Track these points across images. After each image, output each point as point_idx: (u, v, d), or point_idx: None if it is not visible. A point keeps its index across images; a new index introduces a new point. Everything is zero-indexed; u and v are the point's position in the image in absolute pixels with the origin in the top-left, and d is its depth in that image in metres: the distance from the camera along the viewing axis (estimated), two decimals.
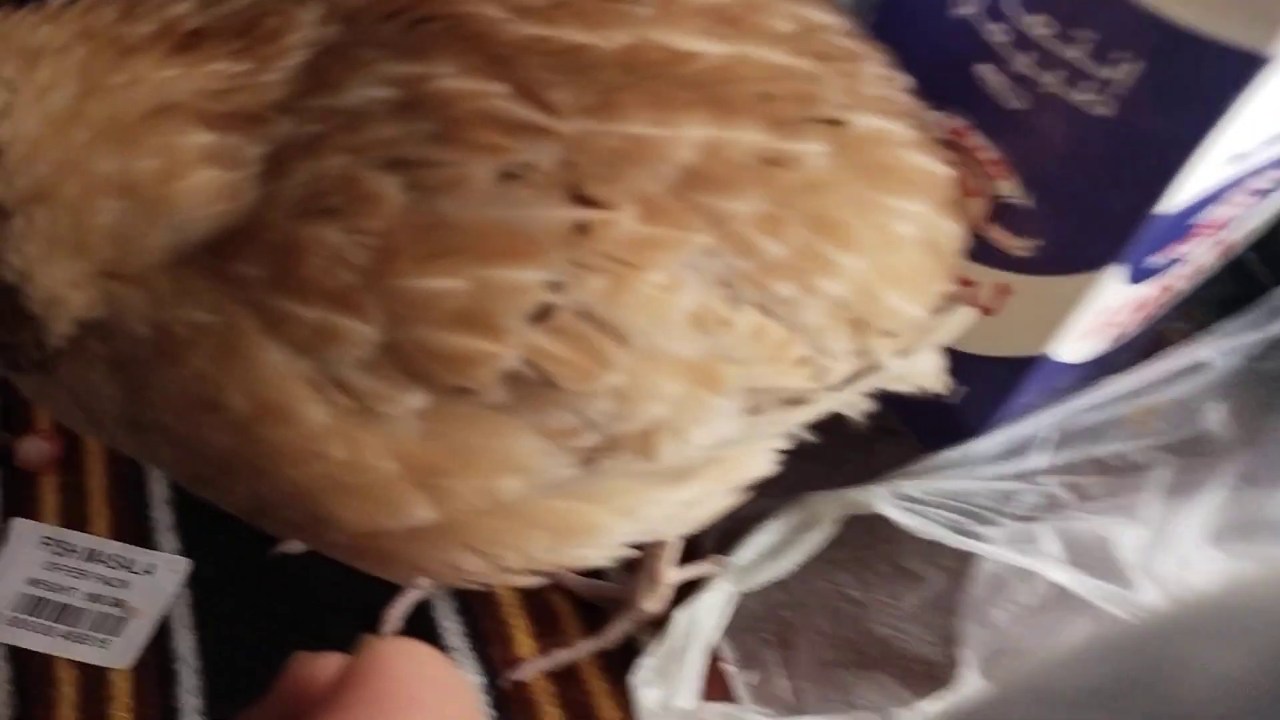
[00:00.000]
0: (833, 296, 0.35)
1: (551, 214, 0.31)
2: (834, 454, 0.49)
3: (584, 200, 0.32)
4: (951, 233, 0.39)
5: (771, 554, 0.51)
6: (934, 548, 0.50)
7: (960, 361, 0.46)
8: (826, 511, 0.50)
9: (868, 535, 0.52)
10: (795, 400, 0.37)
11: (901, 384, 0.41)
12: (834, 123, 0.35)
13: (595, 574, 0.51)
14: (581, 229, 0.31)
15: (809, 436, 0.41)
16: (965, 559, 0.50)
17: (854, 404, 0.41)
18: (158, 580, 0.52)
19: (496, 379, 0.32)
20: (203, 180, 0.32)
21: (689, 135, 0.33)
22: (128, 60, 0.32)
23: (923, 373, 0.42)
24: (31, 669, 0.50)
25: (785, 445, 0.41)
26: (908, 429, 0.54)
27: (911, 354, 0.39)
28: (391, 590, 0.50)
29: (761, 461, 0.40)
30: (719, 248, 0.33)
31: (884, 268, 0.36)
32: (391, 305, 0.31)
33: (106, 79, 0.32)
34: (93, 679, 0.49)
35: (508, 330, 0.32)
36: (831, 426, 0.42)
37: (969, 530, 0.48)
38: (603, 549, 0.38)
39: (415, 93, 0.32)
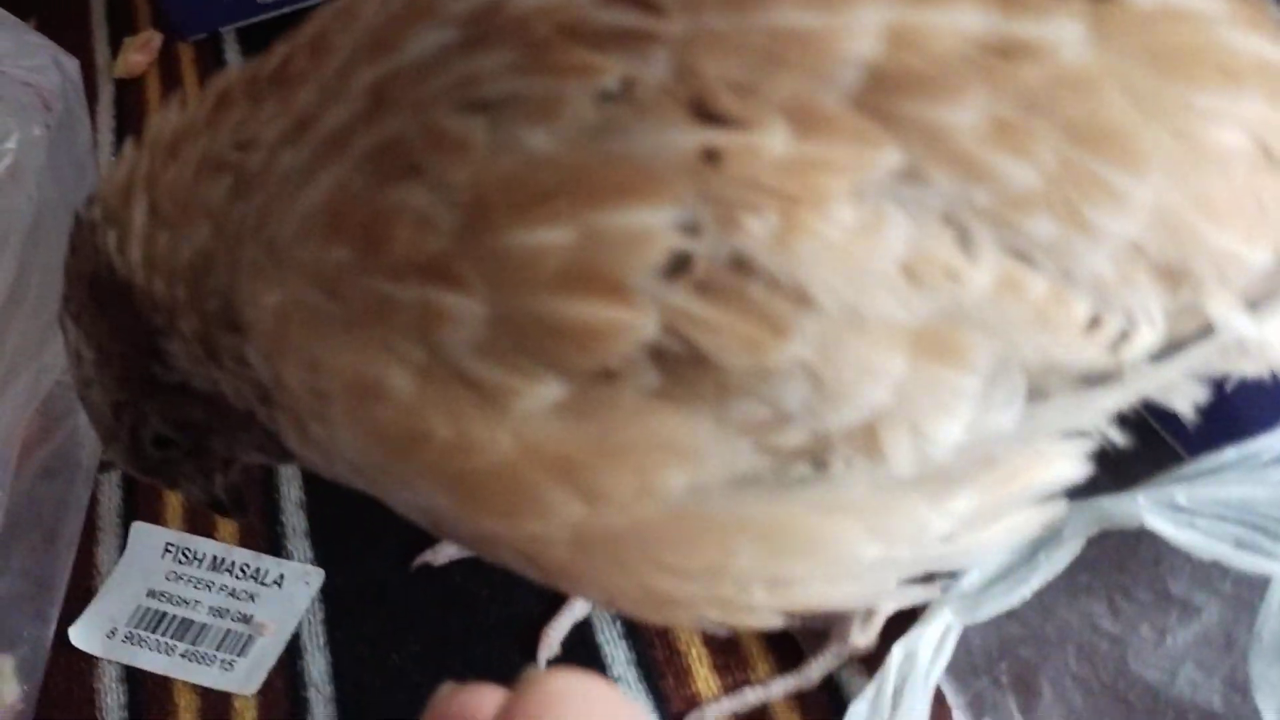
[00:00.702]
0: (1119, 234, 0.27)
1: (668, 137, 0.25)
2: None
3: (711, 117, 0.25)
4: None
5: (1004, 577, 0.42)
6: (1209, 570, 0.41)
7: None
8: (1073, 525, 0.41)
9: (1122, 554, 0.43)
10: (1095, 379, 0.28)
11: (1246, 359, 0.31)
12: None
13: None
14: (711, 155, 0.25)
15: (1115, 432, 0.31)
16: (1250, 584, 0.40)
17: (1179, 387, 0.32)
18: (288, 592, 0.46)
19: (641, 355, 0.26)
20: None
21: (866, 20, 0.25)
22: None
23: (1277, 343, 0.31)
24: (148, 693, 0.45)
25: (1093, 440, 0.31)
26: (1161, 423, 0.45)
27: (1262, 312, 0.29)
28: (550, 607, 0.44)
29: (1062, 463, 0.31)
30: (930, 171, 0.25)
31: (1195, 192, 0.27)
32: (490, 269, 0.26)
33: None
34: (215, 706, 0.44)
35: (637, 290, 0.25)
36: None
37: (1260, 547, 0.39)
38: (856, 580, 0.30)
39: (487, 25, 0.27)
